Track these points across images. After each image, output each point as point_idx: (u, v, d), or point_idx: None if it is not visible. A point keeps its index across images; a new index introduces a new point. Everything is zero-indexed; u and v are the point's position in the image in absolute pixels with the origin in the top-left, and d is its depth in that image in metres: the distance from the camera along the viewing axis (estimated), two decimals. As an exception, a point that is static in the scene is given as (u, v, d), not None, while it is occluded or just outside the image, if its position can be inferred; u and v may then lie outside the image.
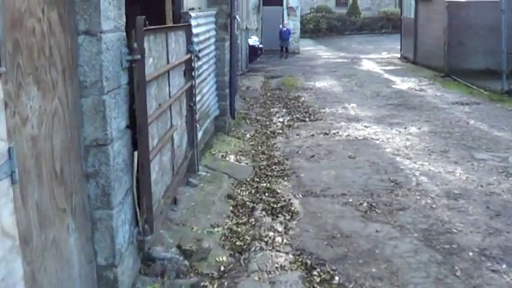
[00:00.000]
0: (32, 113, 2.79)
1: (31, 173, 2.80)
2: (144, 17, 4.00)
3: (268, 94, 15.07)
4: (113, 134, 3.68)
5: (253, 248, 5.15)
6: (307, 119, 11.46)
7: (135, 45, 3.90)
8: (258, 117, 11.67)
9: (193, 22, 6.75)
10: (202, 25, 7.55)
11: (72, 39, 3.31)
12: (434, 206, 6.25)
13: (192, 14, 6.79)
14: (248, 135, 9.86)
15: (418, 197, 6.54)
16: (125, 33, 3.91)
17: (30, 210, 2.78)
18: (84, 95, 3.48)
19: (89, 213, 3.68)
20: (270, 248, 5.18)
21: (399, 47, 24.00)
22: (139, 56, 3.95)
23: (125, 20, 3.90)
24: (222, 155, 8.24)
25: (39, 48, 2.85)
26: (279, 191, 6.84)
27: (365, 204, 6.33)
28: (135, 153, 4.12)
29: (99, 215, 3.71)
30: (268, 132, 10.28)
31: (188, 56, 6.51)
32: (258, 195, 6.66)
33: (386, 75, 18.37)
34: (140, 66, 4.00)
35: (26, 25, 2.70)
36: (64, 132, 3.24)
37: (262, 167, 7.94)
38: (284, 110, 12.64)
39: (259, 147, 9.09)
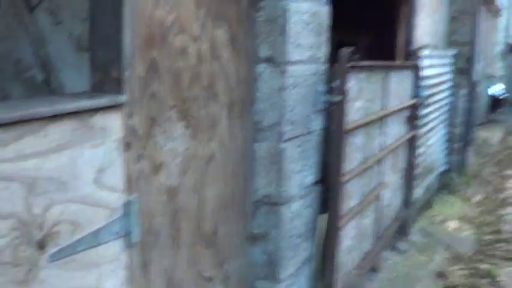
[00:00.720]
0: (172, 158, 2.14)
1: (161, 233, 2.14)
2: (350, 49, 3.19)
3: (506, 152, 13.14)
4: (292, 192, 2.91)
5: None
6: (548, 188, 9.54)
7: (336, 83, 3.11)
8: (490, 178, 10.02)
9: (424, 62, 5.76)
10: (436, 67, 6.48)
11: (249, 68, 2.62)
12: None
13: (425, 53, 5.80)
14: (476, 199, 8.37)
15: None
16: (324, 68, 3.14)
17: (153, 279, 2.13)
18: (258, 139, 2.77)
19: (249, 283, 2.95)
20: None
21: None
22: (340, 98, 3.14)
23: (326, 50, 3.13)
24: (441, 219, 7.00)
25: (192, 74, 2.19)
26: (502, 278, 5.42)
27: None
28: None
29: (261, 286, 2.97)
30: (500, 199, 8.67)
31: (413, 101, 5.53)
32: (474, 278, 5.33)
33: None
34: (340, 110, 3.18)
35: (172, 43, 2.06)
36: (223, 183, 2.55)
37: (486, 241, 6.52)
38: (523, 174, 10.78)
39: (487, 216, 7.61)
